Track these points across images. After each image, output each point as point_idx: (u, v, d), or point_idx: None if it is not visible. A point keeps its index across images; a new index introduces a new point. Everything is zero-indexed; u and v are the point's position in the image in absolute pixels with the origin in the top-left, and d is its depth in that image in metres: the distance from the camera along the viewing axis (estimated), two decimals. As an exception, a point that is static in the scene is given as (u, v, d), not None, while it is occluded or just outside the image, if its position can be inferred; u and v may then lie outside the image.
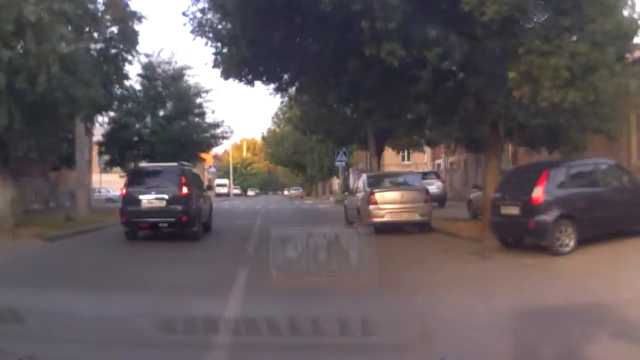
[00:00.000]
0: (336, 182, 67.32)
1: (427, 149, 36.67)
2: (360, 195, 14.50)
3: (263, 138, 64.18)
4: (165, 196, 13.17)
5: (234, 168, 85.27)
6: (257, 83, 14.84)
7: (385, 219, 13.25)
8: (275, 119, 62.38)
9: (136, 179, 14.08)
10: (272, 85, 15.35)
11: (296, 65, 13.37)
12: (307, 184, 71.53)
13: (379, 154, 25.87)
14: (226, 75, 14.24)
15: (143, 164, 17.51)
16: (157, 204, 13.21)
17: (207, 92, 32.29)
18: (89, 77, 14.71)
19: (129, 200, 13.33)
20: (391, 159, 51.86)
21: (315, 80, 14.11)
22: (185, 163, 15.99)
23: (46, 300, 6.16)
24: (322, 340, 4.53)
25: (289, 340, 4.57)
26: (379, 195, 13.54)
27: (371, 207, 13.39)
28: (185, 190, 13.27)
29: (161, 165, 15.55)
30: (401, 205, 13.31)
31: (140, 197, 13.23)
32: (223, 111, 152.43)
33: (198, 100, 32.12)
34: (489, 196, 12.10)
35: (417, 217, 13.59)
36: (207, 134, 31.64)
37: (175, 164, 14.90)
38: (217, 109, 64.51)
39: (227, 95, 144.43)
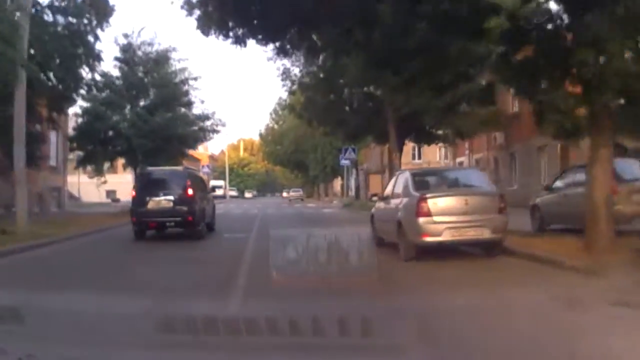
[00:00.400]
0: (339, 184, 62.82)
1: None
2: (400, 202, 9.74)
3: (261, 136, 59.38)
4: (172, 198, 14.09)
5: (231, 169, 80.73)
6: (251, 43, 10.17)
7: (444, 237, 8.58)
8: (273, 115, 57.65)
9: (145, 181, 15.10)
10: (271, 46, 10.52)
11: (307, 12, 8.68)
12: (308, 186, 66.82)
13: (400, 148, 21.09)
14: (205, 28, 9.54)
15: (151, 168, 17.52)
16: (165, 205, 14.11)
17: (195, 79, 27.48)
18: (10, 36, 10.25)
19: (139, 201, 14.22)
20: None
21: (332, 36, 9.36)
22: (190, 167, 17.76)
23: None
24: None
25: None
26: (432, 203, 8.84)
27: (421, 220, 8.69)
28: (190, 192, 14.13)
29: (168, 169, 17.01)
30: (467, 217, 8.61)
31: (149, 198, 14.13)
32: (217, 108, 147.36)
33: (185, 88, 27.29)
34: (601, 200, 8.92)
35: (487, 234, 9.28)
36: (195, 127, 26.86)
37: (180, 168, 16.94)
38: (209, 102, 58.86)
39: (223, 92, 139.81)
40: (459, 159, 33.74)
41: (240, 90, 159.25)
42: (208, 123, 27.05)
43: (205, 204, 15.43)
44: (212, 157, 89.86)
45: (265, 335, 4.09)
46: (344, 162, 36.94)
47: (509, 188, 22.47)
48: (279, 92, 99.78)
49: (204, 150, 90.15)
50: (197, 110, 27.39)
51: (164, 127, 25.15)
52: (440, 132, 21.56)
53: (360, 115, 20.97)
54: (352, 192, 69.46)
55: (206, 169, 48.18)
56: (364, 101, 20.41)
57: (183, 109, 27.49)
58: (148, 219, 14.29)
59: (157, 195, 14.29)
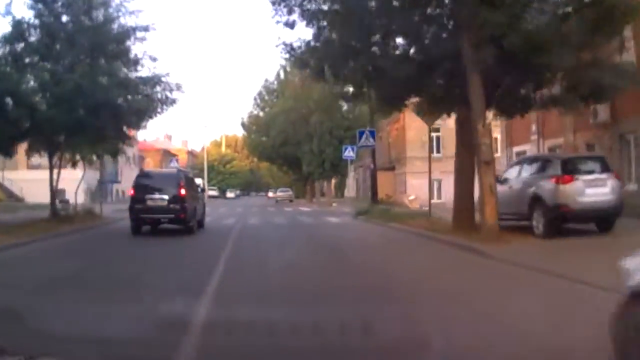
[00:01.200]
0: (332, 183, 53.48)
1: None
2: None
3: (243, 126, 49.70)
4: (166, 197, 15.73)
5: (211, 166, 71.03)
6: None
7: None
8: (258, 101, 48.07)
9: (142, 182, 16.63)
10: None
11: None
12: (298, 185, 57.30)
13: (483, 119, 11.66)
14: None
15: (148, 169, 20.38)
16: (160, 203, 15.75)
17: (146, 29, 18.15)
18: None
19: (137, 199, 15.90)
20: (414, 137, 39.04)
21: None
22: (183, 169, 20.01)
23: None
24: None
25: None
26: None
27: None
28: (183, 192, 15.86)
29: (163, 170, 21.57)
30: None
31: (146, 197, 15.77)
32: (200, 102, 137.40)
33: (128, 43, 18.04)
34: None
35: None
36: (139, 96, 17.47)
37: (175, 170, 20.65)
38: (162, 57, 48.19)
39: (205, 85, 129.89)
40: (517, 148, 24.40)
41: (225, 84, 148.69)
42: (158, 89, 17.55)
43: (196, 203, 17.19)
44: (191, 154, 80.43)
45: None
46: (348, 156, 28.89)
47: (627, 189, 13.55)
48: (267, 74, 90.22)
49: (183, 146, 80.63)
50: (144, 72, 18.04)
51: (88, 91, 15.78)
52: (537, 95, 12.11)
53: (408, 63, 11.59)
54: (351, 192, 60.24)
55: (174, 163, 38.69)
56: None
57: (125, 69, 18.01)
58: (144, 216, 15.89)
59: (153, 194, 15.85)
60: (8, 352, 2.53)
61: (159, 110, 18.38)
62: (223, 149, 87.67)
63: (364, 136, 21.59)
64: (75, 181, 41.60)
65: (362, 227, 17.50)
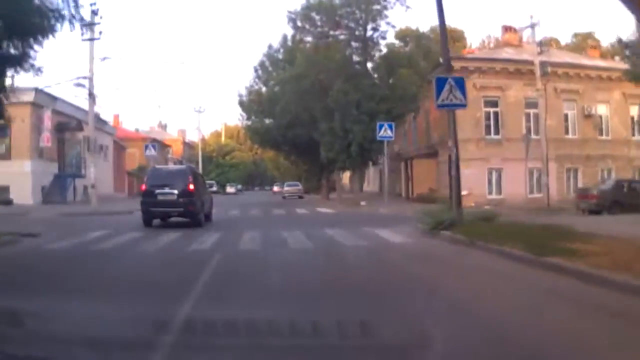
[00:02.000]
0: (347, 177, 43.61)
1: None
2: None
3: (241, 104, 39.57)
4: (176, 191, 16.62)
5: (210, 158, 62.09)
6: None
7: None
8: (259, 72, 38.18)
9: (153, 177, 17.64)
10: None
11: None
12: (310, 177, 47.62)
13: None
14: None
15: (159, 166, 21.86)
16: (170, 197, 16.59)
17: None
18: None
19: (148, 194, 16.83)
20: (464, 114, 29.76)
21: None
22: (192, 166, 22.97)
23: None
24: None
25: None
26: None
27: None
28: (191, 187, 16.80)
29: (173, 167, 22.93)
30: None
31: (157, 191, 16.64)
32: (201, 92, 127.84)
33: None
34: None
35: None
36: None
37: (184, 166, 21.85)
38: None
39: (207, 76, 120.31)
40: None
41: (226, 75, 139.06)
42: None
43: (204, 198, 18.35)
44: (188, 145, 70.62)
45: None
46: (385, 136, 24.49)
47: None
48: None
49: (180, 136, 70.74)
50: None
51: None
52: None
53: None
54: (373, 186, 50.34)
55: (150, 152, 29.03)
56: None
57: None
58: (155, 209, 16.73)
59: (164, 189, 16.71)
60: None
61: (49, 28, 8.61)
62: (223, 139, 77.98)
63: (447, 87, 11.80)
64: (21, 176, 31.61)
65: (480, 267, 7.82)
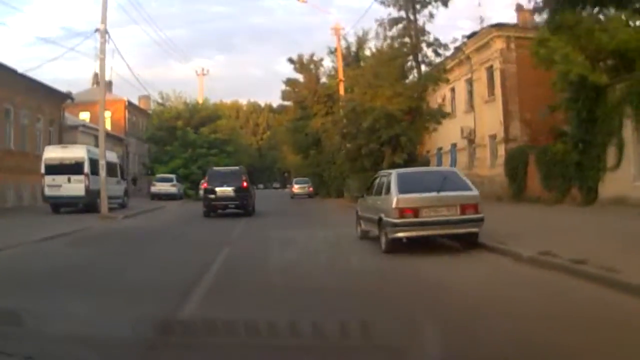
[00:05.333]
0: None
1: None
2: None
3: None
4: (233, 188, 20.98)
5: (169, 129, 42.18)
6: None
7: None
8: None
9: (213, 177, 21.78)
10: None
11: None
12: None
13: None
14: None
15: (217, 168, 24.97)
16: (228, 193, 20.93)
17: None
18: None
19: (209, 191, 21.20)
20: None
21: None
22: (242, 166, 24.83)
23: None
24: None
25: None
26: None
27: None
28: (245, 184, 21.42)
29: (229, 168, 24.76)
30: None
31: (217, 188, 20.99)
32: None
33: None
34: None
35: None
36: None
37: (237, 167, 23.92)
38: None
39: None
40: None
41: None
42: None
43: (253, 193, 23.46)
44: (138, 110, 49.26)
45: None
46: None
47: None
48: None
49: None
50: None
51: None
52: None
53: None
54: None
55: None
56: None
57: None
58: (215, 203, 21.13)
59: (222, 186, 20.97)
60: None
61: None
62: (200, 97, 50.62)
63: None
64: None
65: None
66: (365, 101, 21.41)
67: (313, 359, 4.04)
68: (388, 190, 10.11)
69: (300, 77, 37.96)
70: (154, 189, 36.58)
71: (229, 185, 20.78)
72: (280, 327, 4.45)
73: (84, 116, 47.93)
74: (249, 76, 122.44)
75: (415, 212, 9.43)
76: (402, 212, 9.39)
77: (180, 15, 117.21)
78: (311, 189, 41.66)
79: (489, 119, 27.13)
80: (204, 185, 22.28)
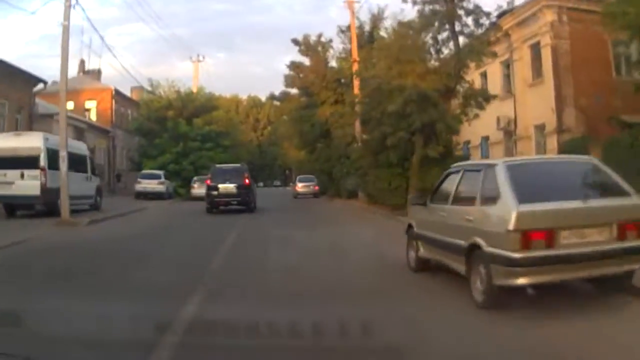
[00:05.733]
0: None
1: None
2: None
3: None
4: (235, 185, 21.54)
5: (160, 120, 37.60)
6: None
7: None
8: None
9: (216, 174, 22.26)
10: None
11: None
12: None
13: None
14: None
15: (220, 165, 24.64)
16: (230, 189, 21.52)
17: None
18: None
19: (212, 187, 21.77)
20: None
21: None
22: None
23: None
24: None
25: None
26: None
27: None
28: (247, 181, 22.02)
29: (232, 165, 24.73)
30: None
31: (220, 185, 21.59)
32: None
33: None
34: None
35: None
36: None
37: (239, 165, 24.72)
38: None
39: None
40: None
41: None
42: None
43: (254, 190, 23.97)
44: (127, 100, 44.61)
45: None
46: None
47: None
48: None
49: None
50: None
51: None
52: None
53: None
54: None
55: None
56: None
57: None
58: (218, 199, 21.76)
59: (225, 183, 21.52)
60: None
61: None
62: (195, 85, 44.98)
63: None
64: None
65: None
66: (392, 78, 17.12)
67: None
68: (490, 197, 5.73)
69: (306, 60, 32.80)
70: (138, 186, 31.80)
71: (231, 182, 21.65)
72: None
73: (69, 107, 43.85)
74: (250, 74, 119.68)
75: (551, 237, 5.07)
76: (527, 237, 5.02)
77: (181, 13, 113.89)
78: (317, 187, 36.89)
79: (535, 106, 22.75)
80: (207, 182, 23.13)
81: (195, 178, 34.40)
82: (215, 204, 21.64)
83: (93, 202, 21.49)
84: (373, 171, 19.42)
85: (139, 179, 32.60)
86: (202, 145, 37.42)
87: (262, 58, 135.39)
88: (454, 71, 18.18)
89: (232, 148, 43.74)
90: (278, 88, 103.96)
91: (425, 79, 17.43)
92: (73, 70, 48.84)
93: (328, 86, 29.93)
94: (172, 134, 37.32)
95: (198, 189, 33.26)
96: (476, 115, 18.37)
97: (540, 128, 22.65)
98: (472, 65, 19.44)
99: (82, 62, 50.52)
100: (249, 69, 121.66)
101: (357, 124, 24.47)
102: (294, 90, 34.97)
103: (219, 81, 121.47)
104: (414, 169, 17.82)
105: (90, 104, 43.96)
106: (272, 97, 35.99)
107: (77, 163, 20.39)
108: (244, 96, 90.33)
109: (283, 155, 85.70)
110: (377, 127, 17.36)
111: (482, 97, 18.16)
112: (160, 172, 33.24)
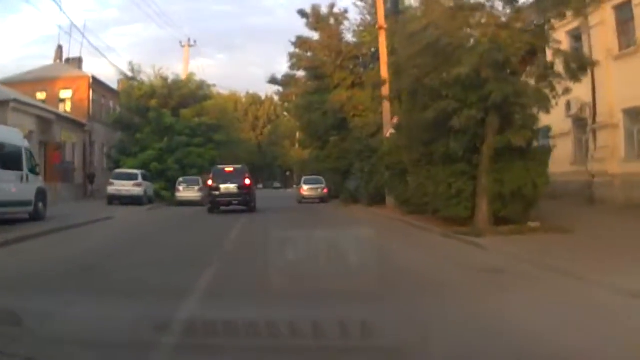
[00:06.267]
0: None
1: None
2: None
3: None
4: (236, 185, 22.09)
5: (142, 110, 32.08)
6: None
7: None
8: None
9: (217, 174, 22.75)
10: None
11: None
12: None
13: None
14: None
15: (221, 166, 24.68)
16: (232, 190, 22.04)
17: None
18: None
19: (214, 188, 22.34)
20: None
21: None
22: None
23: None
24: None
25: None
26: None
27: None
28: (247, 182, 22.58)
29: (233, 166, 24.28)
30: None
31: (221, 185, 22.16)
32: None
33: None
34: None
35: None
36: None
37: (240, 166, 24.37)
38: None
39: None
40: None
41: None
42: None
43: (255, 191, 24.55)
44: (107, 89, 39.09)
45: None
46: None
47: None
48: None
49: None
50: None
51: None
52: None
53: None
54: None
55: None
56: None
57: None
58: (220, 199, 22.25)
59: (226, 183, 22.08)
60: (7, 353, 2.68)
61: None
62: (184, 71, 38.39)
63: None
64: None
65: None
66: (456, 30, 11.63)
67: None
68: None
69: (315, 36, 26.98)
70: (110, 189, 26.03)
71: (232, 183, 22.11)
72: None
73: (41, 97, 38.29)
74: (250, 76, 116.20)
75: None
76: None
77: (180, 12, 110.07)
78: (326, 190, 31.07)
79: (624, 85, 17.27)
80: (207, 184, 23.54)
81: (181, 179, 28.93)
82: (217, 204, 22.33)
83: (32, 209, 16.02)
84: (418, 169, 13.82)
85: (111, 180, 26.72)
86: (191, 141, 31.42)
87: (262, 60, 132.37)
88: (538, 27, 12.75)
89: (227, 145, 38.23)
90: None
91: (499, 35, 12.03)
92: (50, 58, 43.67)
93: (343, 65, 24.34)
94: (156, 127, 31.35)
95: (185, 192, 28.44)
96: (567, 90, 12.98)
97: (633, 113, 17.15)
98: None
99: (60, 49, 45.31)
100: (249, 70, 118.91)
101: (386, 107, 19.02)
102: (300, 73, 28.82)
103: (218, 82, 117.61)
104: (484, 165, 12.31)
105: (66, 94, 38.73)
106: (273, 80, 30.08)
107: (7, 158, 14.97)
108: (242, 93, 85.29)
109: (284, 155, 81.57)
110: (432, 104, 11.77)
111: (577, 64, 12.77)
112: (137, 172, 27.22)
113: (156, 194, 30.28)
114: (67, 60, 42.16)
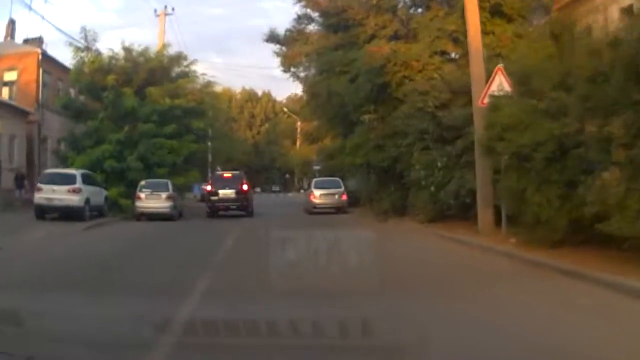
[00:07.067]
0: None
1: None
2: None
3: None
4: (234, 190, 22.53)
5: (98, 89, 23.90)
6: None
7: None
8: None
9: (216, 180, 23.84)
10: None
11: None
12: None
13: None
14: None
15: (219, 172, 26.28)
16: (230, 195, 22.37)
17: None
18: None
19: (213, 193, 22.83)
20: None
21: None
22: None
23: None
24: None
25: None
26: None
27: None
28: (245, 187, 23.10)
29: (231, 172, 25.29)
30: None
31: (220, 191, 22.59)
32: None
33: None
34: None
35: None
36: None
37: (238, 172, 25.37)
38: None
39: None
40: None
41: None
42: None
43: (252, 196, 25.01)
44: (59, 66, 30.89)
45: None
46: None
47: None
48: None
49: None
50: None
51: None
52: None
53: None
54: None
55: None
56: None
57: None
58: (218, 204, 22.48)
59: (224, 189, 22.44)
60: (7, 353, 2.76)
61: None
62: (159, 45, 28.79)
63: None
64: None
65: None
66: None
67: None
68: None
69: None
70: (39, 197, 17.70)
71: (230, 188, 22.34)
72: None
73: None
74: (246, 79, 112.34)
75: None
76: None
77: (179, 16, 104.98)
78: (344, 196, 23.63)
79: None
80: (206, 189, 24.22)
81: (143, 182, 20.53)
82: (215, 209, 22.33)
83: None
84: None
85: (39, 185, 18.34)
86: (160, 130, 22.83)
87: (259, 63, 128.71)
88: None
89: (214, 139, 30.35)
90: (275, 93, 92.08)
91: None
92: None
93: (381, 6, 16.28)
94: (113, 112, 22.94)
95: (147, 201, 19.90)
96: None
97: None
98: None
99: (12, 23, 37.13)
100: (246, 72, 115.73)
101: (476, 56, 10.77)
102: (311, 28, 20.02)
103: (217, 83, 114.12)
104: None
105: (11, 76, 30.50)
106: (272, 37, 20.97)
107: None
108: (237, 89, 77.38)
109: (283, 156, 74.04)
110: None
111: None
112: (75, 172, 18.81)
113: (113, 203, 22.37)
114: (26, 41, 34.29)
